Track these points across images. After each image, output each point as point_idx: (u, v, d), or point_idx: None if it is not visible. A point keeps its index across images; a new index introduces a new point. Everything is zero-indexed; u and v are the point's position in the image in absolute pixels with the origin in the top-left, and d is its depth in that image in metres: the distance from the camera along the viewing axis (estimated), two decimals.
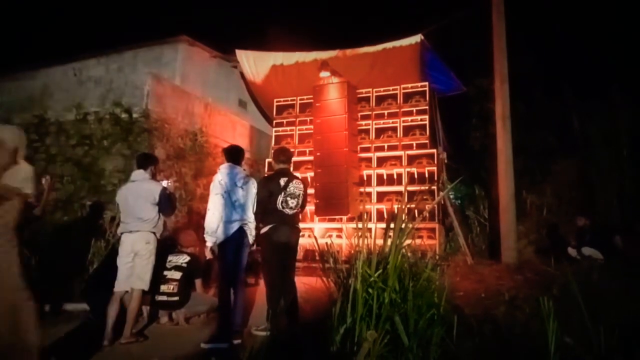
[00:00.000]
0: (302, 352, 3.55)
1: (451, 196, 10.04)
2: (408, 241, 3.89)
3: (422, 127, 9.75)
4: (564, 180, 10.28)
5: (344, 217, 9.32)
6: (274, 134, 11.13)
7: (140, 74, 9.48)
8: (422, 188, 8.38)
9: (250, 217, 4.94)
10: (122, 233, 5.05)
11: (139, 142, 8.39)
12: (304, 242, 8.66)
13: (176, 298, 5.57)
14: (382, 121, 10.14)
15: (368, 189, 9.51)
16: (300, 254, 8.46)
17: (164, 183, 5.27)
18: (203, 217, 4.92)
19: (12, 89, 9.74)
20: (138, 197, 4.98)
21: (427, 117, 9.77)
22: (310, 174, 9.75)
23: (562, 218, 9.71)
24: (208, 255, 4.94)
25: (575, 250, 8.34)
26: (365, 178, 9.68)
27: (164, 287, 5.60)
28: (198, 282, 5.92)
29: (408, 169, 9.36)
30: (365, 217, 4.16)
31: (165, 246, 5.41)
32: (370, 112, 10.28)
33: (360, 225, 3.84)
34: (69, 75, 9.77)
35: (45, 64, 10.23)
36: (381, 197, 9.47)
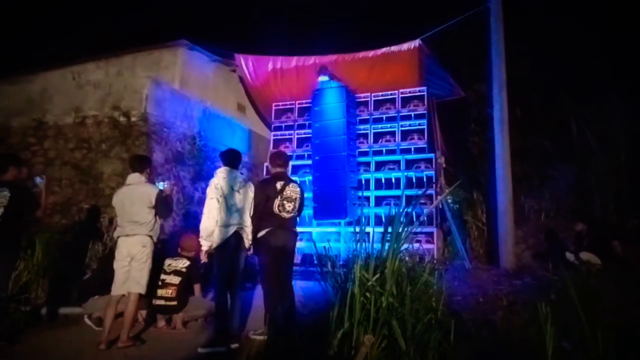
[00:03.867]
0: (300, 356, 3.55)
1: (449, 200, 10.02)
2: (406, 245, 3.90)
3: (420, 132, 9.77)
4: (562, 185, 10.29)
5: (342, 221, 9.32)
6: (272, 137, 11.15)
7: (140, 77, 9.48)
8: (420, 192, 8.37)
9: (247, 221, 4.93)
10: (118, 237, 5.03)
11: (138, 145, 8.38)
12: (301, 245, 8.66)
13: (174, 303, 5.55)
14: (380, 125, 10.16)
15: (366, 193, 9.52)
16: (298, 258, 8.47)
17: (161, 185, 5.25)
18: (200, 221, 4.92)
19: (11, 93, 9.72)
20: (134, 200, 4.97)
21: (425, 121, 9.80)
22: (308, 178, 9.76)
23: (560, 223, 9.71)
24: (204, 259, 4.94)
25: (573, 255, 8.32)
26: (363, 182, 9.69)
27: (162, 292, 5.58)
28: (197, 287, 5.90)
29: (406, 173, 9.37)
30: (363, 221, 4.17)
31: (158, 250, 5.39)
32: (368, 117, 10.30)
33: (358, 230, 3.84)
34: (68, 78, 9.78)
35: (44, 67, 10.24)
36: (379, 201, 9.47)
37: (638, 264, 7.23)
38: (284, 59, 11.06)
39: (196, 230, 5.07)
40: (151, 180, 5.37)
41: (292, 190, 5.02)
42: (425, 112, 9.88)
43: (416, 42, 9.81)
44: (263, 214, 4.91)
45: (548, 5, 11.40)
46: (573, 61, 10.73)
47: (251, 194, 5.01)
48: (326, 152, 9.45)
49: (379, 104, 10.36)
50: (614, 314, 3.92)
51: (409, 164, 9.53)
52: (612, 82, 10.28)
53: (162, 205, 5.10)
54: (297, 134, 10.79)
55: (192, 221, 8.82)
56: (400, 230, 3.77)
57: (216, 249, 4.79)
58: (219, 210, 4.77)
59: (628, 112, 9.98)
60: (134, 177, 5.14)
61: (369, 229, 4.10)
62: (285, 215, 4.92)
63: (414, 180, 9.32)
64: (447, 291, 4.42)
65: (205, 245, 4.81)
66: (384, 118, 10.18)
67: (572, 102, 10.71)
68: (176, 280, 5.66)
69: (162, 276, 5.67)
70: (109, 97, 8.83)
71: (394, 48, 10.06)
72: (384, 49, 10.16)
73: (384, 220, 8.44)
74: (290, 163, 9.45)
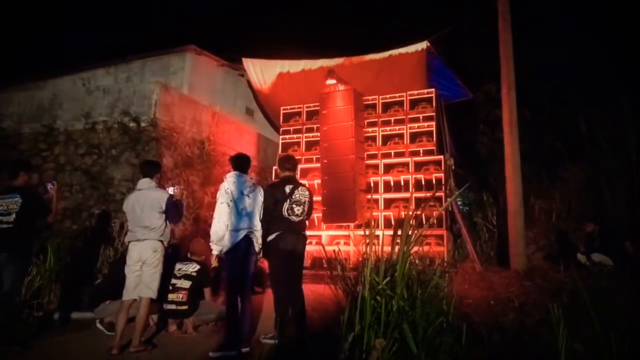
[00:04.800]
0: None
1: (459, 202, 9.98)
2: (416, 248, 3.89)
3: (428, 134, 9.74)
4: (573, 186, 10.22)
5: (352, 224, 9.31)
6: (280, 141, 11.16)
7: (148, 83, 9.56)
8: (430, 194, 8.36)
9: (257, 225, 4.94)
10: (129, 242, 5.06)
11: (147, 150, 8.44)
12: (311, 249, 8.65)
13: (185, 307, 5.57)
14: (388, 128, 10.14)
15: (375, 196, 9.49)
16: (307, 262, 8.46)
17: (171, 190, 5.28)
18: (210, 225, 4.93)
19: (22, 99, 9.83)
20: (145, 205, 5.00)
21: (433, 123, 9.76)
22: (317, 181, 9.76)
23: (571, 224, 9.64)
24: (214, 263, 4.95)
25: (584, 257, 8.26)
26: (372, 185, 9.67)
27: (172, 296, 5.60)
28: (207, 291, 5.92)
29: (415, 176, 9.34)
30: (372, 224, 4.16)
31: (168, 254, 5.42)
32: (376, 119, 10.28)
33: (367, 233, 3.84)
34: (78, 85, 9.88)
35: (55, 74, 10.35)
36: (388, 203, 9.45)
37: None
38: (292, 62, 11.09)
39: (206, 235, 5.09)
40: (161, 185, 5.40)
41: (301, 194, 5.02)
42: (433, 114, 9.84)
43: (424, 44, 9.80)
44: (272, 217, 4.91)
45: (557, 6, 11.34)
46: (582, 61, 10.67)
47: (261, 197, 5.02)
48: (334, 155, 9.44)
49: (387, 106, 10.35)
50: (627, 316, 3.89)
51: (418, 166, 9.50)
52: (622, 82, 10.20)
53: (173, 209, 5.12)
54: (306, 138, 10.80)
55: (202, 225, 8.85)
56: (409, 232, 3.75)
57: (226, 253, 4.80)
58: (229, 215, 4.78)
59: (638, 112, 9.90)
60: (145, 182, 5.17)
61: (378, 232, 4.10)
62: (294, 218, 4.93)
63: (423, 182, 9.28)
64: (458, 294, 4.40)
65: (215, 249, 4.82)
66: (392, 120, 10.16)
67: (581, 103, 10.64)
68: (187, 284, 5.68)
69: (173, 280, 5.69)
70: (119, 103, 8.90)
71: (401, 50, 10.06)
72: (391, 51, 10.15)
73: (393, 222, 8.43)
74: (299, 166, 9.46)
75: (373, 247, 3.73)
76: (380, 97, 10.36)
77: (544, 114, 11.04)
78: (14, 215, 4.98)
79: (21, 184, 5.22)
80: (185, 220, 8.63)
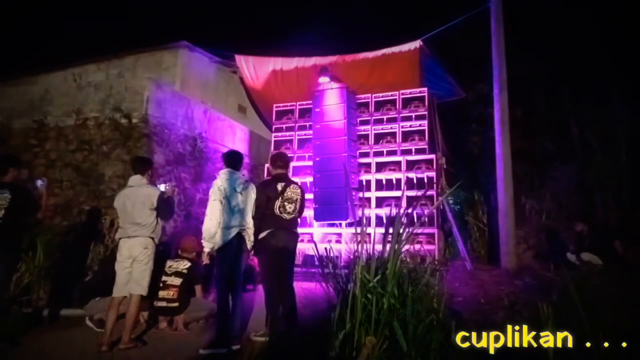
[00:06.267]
0: (301, 358, 3.55)
1: (450, 201, 10.02)
2: (407, 246, 3.90)
3: (421, 133, 9.77)
4: (563, 186, 10.28)
5: (343, 222, 9.32)
6: (273, 139, 11.15)
7: (140, 79, 9.49)
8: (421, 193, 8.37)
9: (249, 222, 4.93)
10: (120, 238, 5.04)
11: (139, 147, 8.39)
12: (302, 247, 8.65)
13: (175, 304, 5.55)
14: (381, 126, 10.16)
15: (367, 194, 9.51)
16: (299, 259, 8.47)
17: (162, 187, 5.26)
18: (202, 222, 4.92)
19: (13, 94, 9.74)
20: (136, 202, 4.98)
21: (426, 122, 9.80)
22: (309, 179, 9.76)
23: (561, 223, 9.71)
24: (206, 260, 4.94)
25: (574, 256, 8.32)
26: (364, 183, 9.69)
27: (163, 293, 5.58)
28: (198, 288, 5.91)
29: (407, 174, 9.37)
30: (364, 222, 4.17)
31: (159, 252, 5.39)
32: (369, 118, 10.30)
33: (359, 231, 3.85)
34: (69, 80, 9.78)
35: (46, 69, 10.24)
36: (380, 202, 9.47)
37: (639, 264, 7.24)
38: (285, 60, 11.07)
39: (197, 232, 5.08)
40: (152, 182, 5.38)
41: (292, 192, 5.02)
42: (425, 112, 9.87)
43: (417, 43, 9.82)
44: (264, 215, 4.91)
45: (549, 5, 11.38)
46: (574, 61, 10.72)
47: (253, 195, 5.01)
48: (327, 153, 9.46)
49: (379, 105, 10.37)
50: (616, 315, 3.92)
51: (410, 165, 9.53)
52: (613, 82, 10.27)
53: (164, 206, 5.10)
54: (298, 135, 10.80)
55: (193, 222, 8.83)
56: (401, 231, 3.76)
57: (218, 250, 4.80)
58: (221, 212, 4.77)
59: (629, 112, 9.98)
60: (136, 179, 5.14)
61: (369, 230, 4.11)
62: (286, 216, 4.92)
63: (414, 181, 9.31)
64: (448, 292, 4.42)
65: (207, 246, 4.81)
66: (385, 119, 10.19)
67: (573, 102, 10.71)
68: (177, 281, 5.67)
69: (163, 278, 5.67)
70: (110, 99, 8.84)
71: (394, 49, 10.07)
72: (384, 50, 10.17)
73: (384, 221, 8.45)
74: (291, 164, 9.45)
75: (364, 245, 3.73)
76: (373, 95, 10.38)
77: (535, 114, 11.09)
78: (3, 211, 4.93)
79: (10, 179, 5.17)
80: (177, 217, 8.60)
